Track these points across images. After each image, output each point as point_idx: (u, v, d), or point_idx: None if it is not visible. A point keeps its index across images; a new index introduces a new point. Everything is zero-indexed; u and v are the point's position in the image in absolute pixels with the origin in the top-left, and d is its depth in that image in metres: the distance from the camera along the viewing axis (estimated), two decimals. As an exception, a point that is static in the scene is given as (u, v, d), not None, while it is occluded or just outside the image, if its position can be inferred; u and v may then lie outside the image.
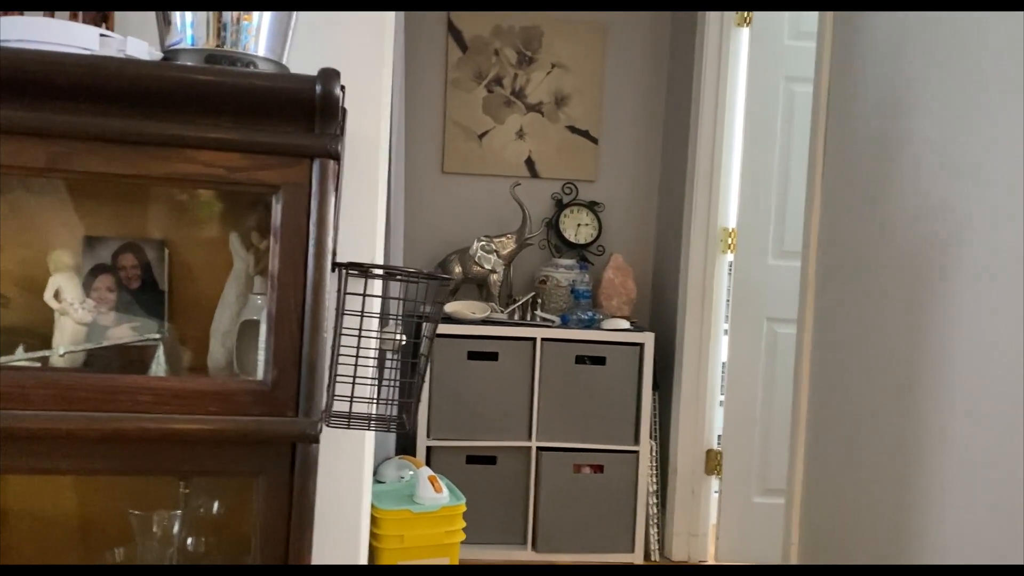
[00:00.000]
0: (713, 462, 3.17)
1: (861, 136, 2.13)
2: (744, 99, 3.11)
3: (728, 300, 3.17)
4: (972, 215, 1.69)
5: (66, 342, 1.22)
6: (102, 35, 1.14)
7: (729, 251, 3.16)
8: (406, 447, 3.06)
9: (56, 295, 1.23)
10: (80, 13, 1.28)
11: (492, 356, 3.01)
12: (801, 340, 2.37)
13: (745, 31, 3.11)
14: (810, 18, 3.01)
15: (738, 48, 3.11)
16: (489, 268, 3.17)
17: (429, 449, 3.00)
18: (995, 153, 1.64)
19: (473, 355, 3.01)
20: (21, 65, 1.04)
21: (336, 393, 1.24)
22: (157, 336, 1.27)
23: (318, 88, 1.08)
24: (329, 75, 1.08)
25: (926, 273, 1.83)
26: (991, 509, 1.59)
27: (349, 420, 1.24)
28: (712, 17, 3.09)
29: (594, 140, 3.46)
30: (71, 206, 1.32)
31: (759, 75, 3.08)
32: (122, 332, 1.27)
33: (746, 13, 3.09)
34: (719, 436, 3.19)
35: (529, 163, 3.44)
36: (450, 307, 3.08)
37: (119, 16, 1.35)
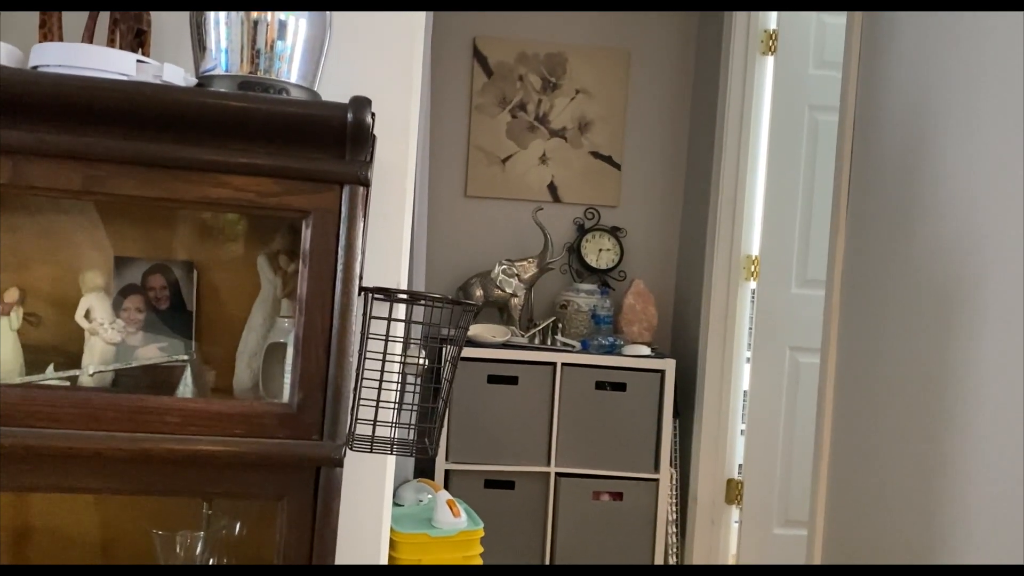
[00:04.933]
0: (734, 492, 3.14)
1: (886, 165, 2.12)
2: (768, 127, 3.11)
3: (751, 328, 3.15)
4: (999, 244, 1.68)
5: (95, 362, 1.23)
6: (139, 61, 1.16)
7: (752, 279, 3.14)
8: (425, 470, 3.05)
9: (87, 315, 1.25)
10: (117, 38, 1.31)
11: (512, 380, 3.01)
12: (824, 370, 2.35)
13: (770, 60, 3.12)
14: (835, 48, 3.01)
15: (763, 76, 3.12)
16: (510, 292, 3.18)
17: (447, 473, 2.99)
18: (1021, 185, 1.62)
19: (493, 379, 3.00)
20: (59, 90, 1.06)
21: (359, 417, 1.24)
22: (185, 357, 1.28)
23: (350, 116, 1.09)
24: (361, 103, 1.09)
25: (952, 303, 1.81)
26: (1020, 543, 1.56)
27: (372, 444, 1.24)
28: (737, 45, 3.10)
29: (617, 166, 3.46)
30: (103, 227, 1.34)
31: (784, 103, 3.08)
32: (150, 352, 1.29)
33: (771, 41, 3.10)
34: (740, 465, 3.16)
35: (552, 188, 3.45)
36: (471, 330, 3.09)
37: (155, 42, 1.37)
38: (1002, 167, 1.69)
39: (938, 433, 1.83)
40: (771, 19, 3.11)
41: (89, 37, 1.28)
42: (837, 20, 3.00)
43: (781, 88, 3.08)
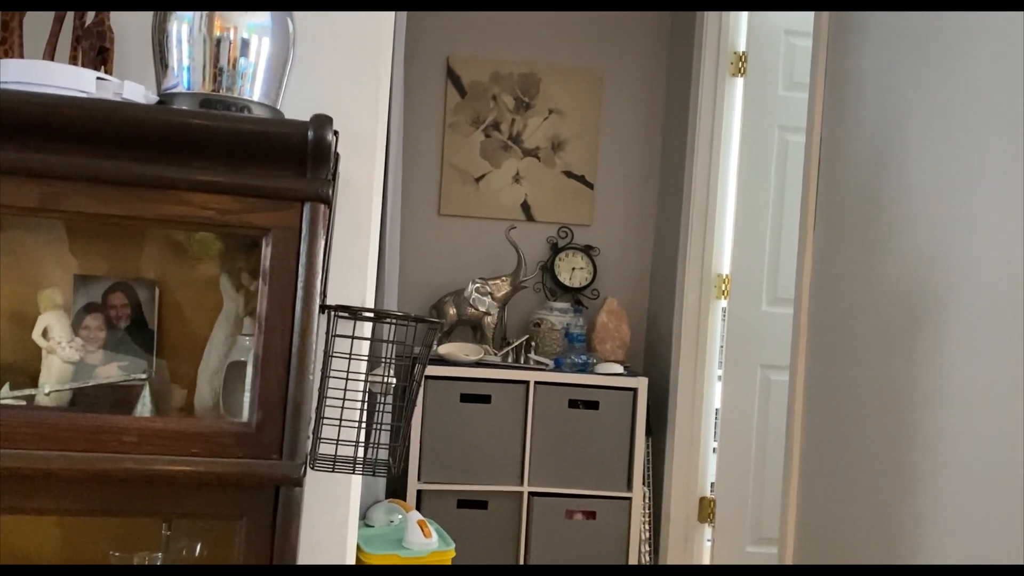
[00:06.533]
0: (706, 510, 3.14)
1: (852, 185, 2.15)
2: (738, 147, 3.15)
3: (722, 346, 3.17)
4: (962, 264, 1.70)
5: (53, 381, 1.22)
6: (99, 78, 1.15)
7: (723, 297, 3.16)
8: (396, 490, 3.03)
9: (44, 333, 1.23)
10: (79, 55, 1.30)
11: (485, 399, 3.00)
12: (793, 387, 2.37)
13: (739, 81, 3.16)
14: (803, 69, 3.05)
15: (732, 97, 3.16)
16: (483, 310, 3.18)
17: (420, 492, 2.97)
18: (984, 202, 1.65)
19: (466, 397, 3.00)
20: (17, 107, 1.06)
21: (322, 436, 1.23)
22: (144, 376, 1.27)
23: (311, 134, 1.09)
24: (322, 121, 1.10)
25: (918, 319, 1.83)
26: (984, 557, 1.57)
27: (334, 464, 1.24)
28: (707, 67, 3.14)
29: (590, 185, 3.49)
30: (63, 245, 1.32)
31: (753, 124, 3.12)
32: (109, 371, 1.27)
33: (740, 63, 3.14)
34: (712, 483, 3.17)
35: (525, 206, 3.46)
36: (444, 349, 3.08)
37: (118, 59, 1.37)
38: (965, 186, 1.72)
39: (905, 450, 1.85)
40: (740, 41, 3.16)
41: (50, 54, 1.27)
42: (804, 43, 3.05)
43: (750, 109, 3.12)
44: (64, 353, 1.23)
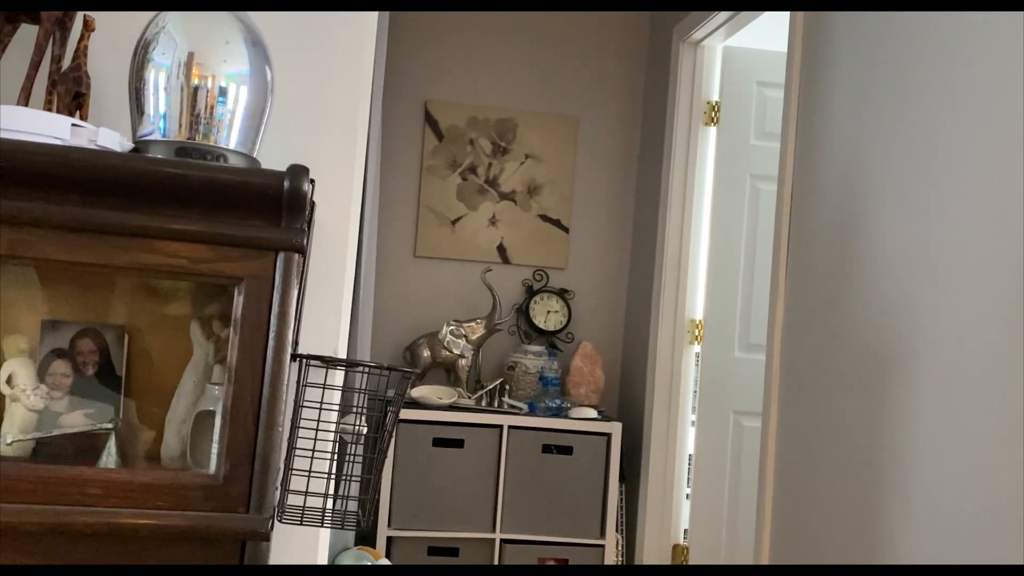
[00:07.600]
0: (680, 558, 3.12)
1: (823, 233, 2.19)
2: (711, 195, 3.19)
3: (695, 391, 3.17)
4: (929, 312, 1.73)
5: (15, 430, 1.19)
6: (74, 125, 1.15)
7: (696, 342, 3.18)
8: (366, 537, 2.99)
9: (9, 380, 1.21)
10: (55, 100, 1.30)
11: (458, 443, 2.98)
12: (766, 434, 2.37)
13: (712, 130, 3.21)
14: (774, 119, 3.11)
15: (706, 146, 3.21)
16: (458, 353, 3.16)
17: (390, 539, 2.93)
18: (951, 253, 1.68)
19: (438, 441, 2.97)
20: (-11, 153, 1.05)
21: (290, 487, 1.21)
22: (110, 425, 1.24)
23: (286, 184, 1.09)
24: (298, 171, 1.10)
25: (886, 366, 1.85)
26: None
27: (302, 516, 1.22)
28: (680, 115, 3.19)
29: (565, 229, 3.51)
30: (31, 290, 1.31)
31: (725, 172, 3.17)
32: (75, 419, 1.25)
33: (713, 112, 3.20)
34: (685, 530, 3.15)
35: (501, 249, 3.47)
36: (417, 392, 3.06)
37: (94, 105, 1.36)
38: (933, 235, 1.75)
39: (876, 496, 1.85)
40: (713, 91, 3.22)
41: (25, 99, 1.27)
42: (776, 93, 3.11)
43: (723, 157, 3.17)
44: (28, 401, 1.20)
